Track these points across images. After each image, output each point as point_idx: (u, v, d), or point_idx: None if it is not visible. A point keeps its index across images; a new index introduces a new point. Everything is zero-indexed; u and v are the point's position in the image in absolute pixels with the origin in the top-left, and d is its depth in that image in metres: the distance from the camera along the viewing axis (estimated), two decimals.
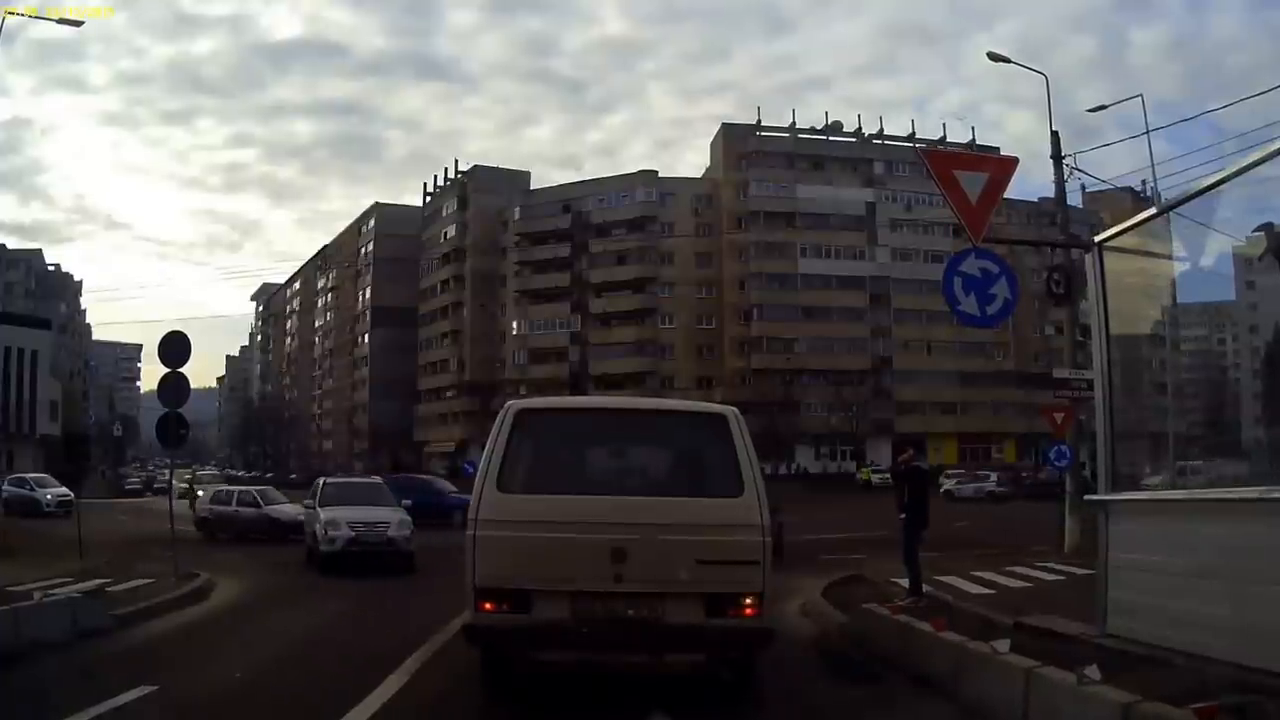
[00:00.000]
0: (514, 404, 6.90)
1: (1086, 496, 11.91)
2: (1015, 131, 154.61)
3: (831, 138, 78.35)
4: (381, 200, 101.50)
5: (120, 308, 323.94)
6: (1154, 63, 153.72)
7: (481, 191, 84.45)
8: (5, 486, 29.45)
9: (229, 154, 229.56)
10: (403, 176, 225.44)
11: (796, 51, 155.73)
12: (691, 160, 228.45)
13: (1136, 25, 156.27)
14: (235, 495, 26.24)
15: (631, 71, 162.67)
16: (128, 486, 64.09)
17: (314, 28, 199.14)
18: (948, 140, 71.49)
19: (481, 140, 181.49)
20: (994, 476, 51.12)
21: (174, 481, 28.56)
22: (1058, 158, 19.67)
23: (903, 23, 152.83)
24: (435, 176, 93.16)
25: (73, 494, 33.78)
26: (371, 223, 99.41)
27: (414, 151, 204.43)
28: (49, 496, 34.16)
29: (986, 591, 12.55)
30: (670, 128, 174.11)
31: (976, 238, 8.81)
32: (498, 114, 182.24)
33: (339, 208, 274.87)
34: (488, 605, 6.21)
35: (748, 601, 6.20)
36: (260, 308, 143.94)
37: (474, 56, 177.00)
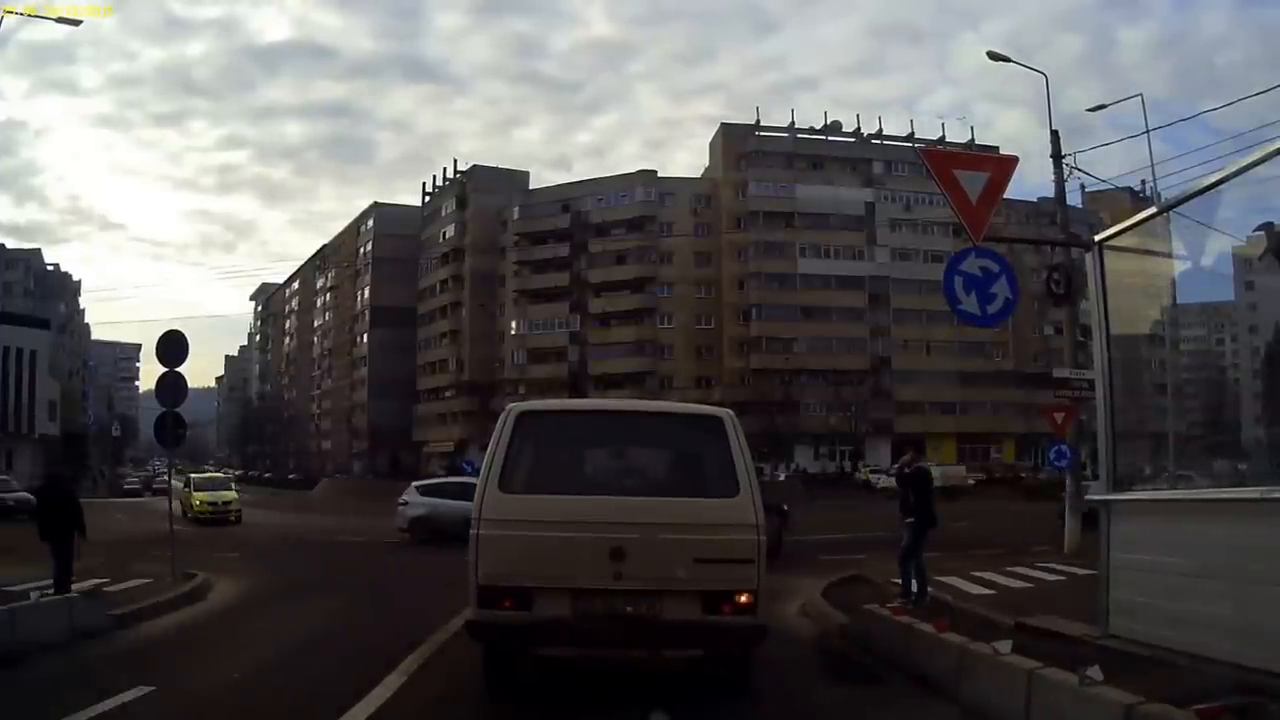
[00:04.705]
0: (516, 407, 6.95)
1: (1088, 497, 11.89)
2: (1006, 131, 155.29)
3: (830, 138, 78.26)
4: (373, 201, 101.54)
5: (119, 308, 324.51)
6: (1143, 61, 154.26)
7: (480, 191, 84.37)
8: (419, 498, 22.61)
9: (221, 155, 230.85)
10: (394, 177, 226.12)
11: (784, 52, 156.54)
12: (682, 160, 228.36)
13: (1125, 24, 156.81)
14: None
15: (619, 73, 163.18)
16: (126, 486, 64.14)
17: (303, 30, 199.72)
18: (946, 140, 71.55)
19: (472, 141, 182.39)
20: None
21: (172, 481, 28.51)
22: (1058, 157, 19.62)
23: (889, 23, 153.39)
24: (434, 176, 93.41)
25: None
26: (370, 222, 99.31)
27: (405, 153, 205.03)
28: None
29: (987, 592, 12.55)
30: (660, 128, 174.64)
31: (977, 237, 8.83)
32: (487, 115, 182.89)
33: (331, 208, 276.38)
34: (490, 602, 6.23)
35: (743, 599, 6.26)
36: (259, 308, 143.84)
37: (462, 58, 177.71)
